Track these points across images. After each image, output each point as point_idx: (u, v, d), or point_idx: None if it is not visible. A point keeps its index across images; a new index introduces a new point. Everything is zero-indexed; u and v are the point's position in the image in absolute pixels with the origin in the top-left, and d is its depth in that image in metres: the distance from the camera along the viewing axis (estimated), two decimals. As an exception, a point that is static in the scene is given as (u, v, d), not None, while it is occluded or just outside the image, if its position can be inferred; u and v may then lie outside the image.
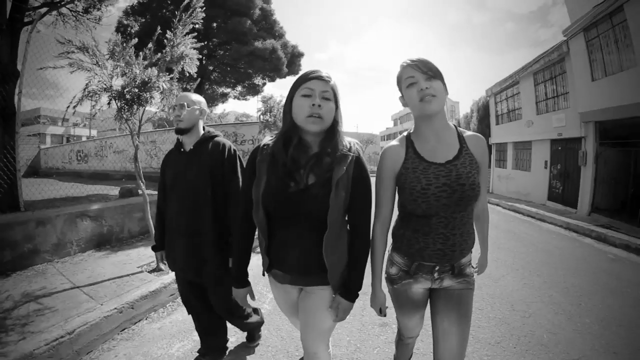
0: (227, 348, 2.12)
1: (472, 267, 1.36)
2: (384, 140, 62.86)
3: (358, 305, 2.68)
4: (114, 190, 9.46)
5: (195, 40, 3.31)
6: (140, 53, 3.21)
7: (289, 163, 1.16)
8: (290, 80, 12.62)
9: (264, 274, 1.37)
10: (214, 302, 1.84)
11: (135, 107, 3.15)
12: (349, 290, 1.24)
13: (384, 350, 2.26)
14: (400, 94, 1.28)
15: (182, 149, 1.81)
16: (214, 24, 9.29)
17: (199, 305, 1.89)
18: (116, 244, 4.35)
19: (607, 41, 7.64)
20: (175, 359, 2.12)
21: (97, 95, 3.01)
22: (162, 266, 3.32)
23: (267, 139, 1.27)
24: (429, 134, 1.25)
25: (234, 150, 1.79)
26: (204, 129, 1.84)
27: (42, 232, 3.63)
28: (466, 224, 1.25)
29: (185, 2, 3.19)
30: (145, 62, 3.14)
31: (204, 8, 3.24)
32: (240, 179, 1.74)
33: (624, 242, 5.36)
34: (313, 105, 1.11)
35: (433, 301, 1.36)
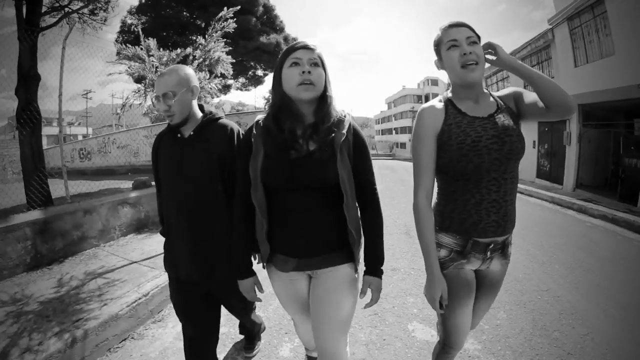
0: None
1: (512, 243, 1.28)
2: (379, 123, 62.82)
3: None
4: (124, 184, 9.86)
5: (225, 45, 3.76)
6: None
7: (285, 134, 1.11)
8: None
9: (264, 266, 1.28)
10: (230, 306, 1.66)
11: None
12: (377, 266, 1.20)
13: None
14: (436, 58, 1.22)
15: (178, 134, 1.43)
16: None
17: (197, 311, 1.55)
18: (153, 227, 4.84)
19: (589, 30, 8.18)
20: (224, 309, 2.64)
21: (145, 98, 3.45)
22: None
23: (260, 115, 1.23)
24: (467, 97, 1.20)
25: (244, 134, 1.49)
26: (202, 109, 1.50)
27: (88, 220, 4.11)
28: (514, 190, 1.18)
29: (220, 14, 3.62)
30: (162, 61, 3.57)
31: (233, 18, 3.68)
32: None
33: (602, 213, 6.02)
34: (303, 72, 1.08)
35: (476, 284, 1.28)
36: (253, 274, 1.26)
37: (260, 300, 1.31)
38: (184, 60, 3.61)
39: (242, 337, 2.14)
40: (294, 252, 1.16)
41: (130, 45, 3.75)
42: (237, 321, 2.11)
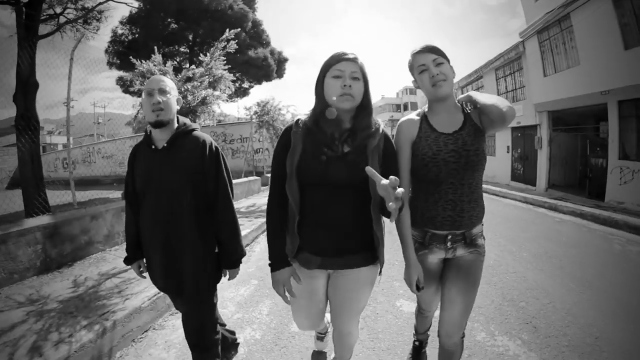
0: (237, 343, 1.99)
1: (484, 238, 1.41)
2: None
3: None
4: (112, 194, 9.87)
5: (225, 62, 4.07)
6: (178, 74, 3.94)
7: (321, 135, 1.19)
8: (276, 83, 13.66)
9: (291, 260, 1.29)
10: (186, 319, 1.55)
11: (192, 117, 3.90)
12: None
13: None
14: (412, 79, 1.40)
15: (152, 146, 1.45)
16: (210, 39, 10.01)
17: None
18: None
19: (556, 43, 8.93)
20: (241, 297, 2.91)
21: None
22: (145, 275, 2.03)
23: (302, 115, 1.30)
24: (440, 111, 1.36)
25: (216, 147, 1.51)
26: (177, 120, 1.51)
27: (95, 225, 4.27)
28: (474, 192, 1.32)
29: (224, 35, 3.93)
30: (177, 78, 3.87)
31: (234, 39, 4.01)
32: (227, 179, 1.50)
33: (571, 209, 6.59)
34: (344, 85, 1.14)
35: (444, 271, 1.43)
36: (289, 264, 1.26)
37: (294, 295, 1.26)
38: (190, 78, 3.90)
39: None
40: (319, 251, 1.22)
41: (134, 59, 4.01)
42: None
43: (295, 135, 1.23)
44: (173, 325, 2.55)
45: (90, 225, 4.20)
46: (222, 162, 1.50)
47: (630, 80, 6.79)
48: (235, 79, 4.26)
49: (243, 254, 1.56)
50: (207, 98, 3.78)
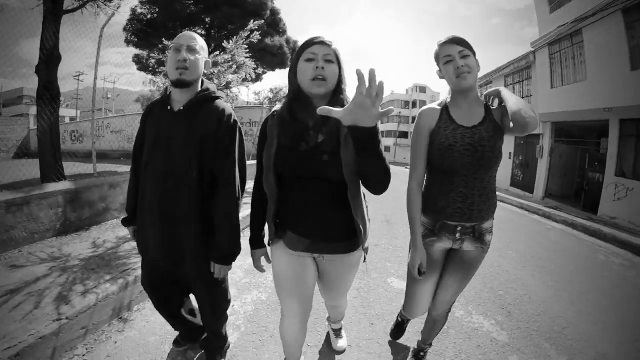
0: (202, 329, 1.78)
1: (492, 234, 1.45)
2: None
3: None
4: (120, 168, 10.11)
5: (248, 50, 4.29)
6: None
7: (297, 125, 1.15)
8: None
9: (269, 244, 1.34)
10: (197, 296, 1.54)
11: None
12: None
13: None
14: (437, 69, 1.40)
15: (169, 107, 1.35)
16: (230, 25, 10.15)
17: (167, 292, 1.57)
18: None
19: (566, 56, 9.07)
20: (248, 265, 3.11)
21: None
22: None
23: (277, 106, 1.28)
24: (462, 103, 1.37)
25: (235, 120, 1.38)
26: (201, 84, 1.40)
27: (112, 194, 4.51)
28: (486, 187, 1.34)
29: (249, 26, 4.14)
30: (216, 68, 4.11)
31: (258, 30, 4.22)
32: (237, 158, 1.38)
33: (563, 219, 6.83)
34: (317, 68, 1.11)
35: (448, 261, 1.46)
36: (263, 246, 1.39)
37: (264, 270, 1.41)
38: (216, 63, 4.11)
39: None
40: (307, 234, 1.21)
41: (155, 37, 4.20)
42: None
43: (271, 129, 1.22)
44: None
45: (108, 193, 4.45)
46: (238, 138, 1.38)
47: (634, 100, 6.95)
48: (255, 66, 4.48)
49: (235, 250, 1.38)
50: (232, 83, 4.02)
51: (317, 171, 1.13)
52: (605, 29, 7.66)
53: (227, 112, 1.35)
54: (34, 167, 5.85)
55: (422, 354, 1.80)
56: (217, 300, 1.53)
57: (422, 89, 49.47)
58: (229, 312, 1.70)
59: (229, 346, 1.81)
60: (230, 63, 4.12)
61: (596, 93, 7.92)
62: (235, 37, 4.12)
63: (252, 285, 2.80)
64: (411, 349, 1.90)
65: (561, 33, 8.98)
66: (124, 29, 10.15)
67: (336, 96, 1.18)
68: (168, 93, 1.40)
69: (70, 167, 7.75)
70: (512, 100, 1.26)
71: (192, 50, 1.31)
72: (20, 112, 30.20)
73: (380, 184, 1.06)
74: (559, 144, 9.98)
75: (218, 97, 1.39)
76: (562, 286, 3.20)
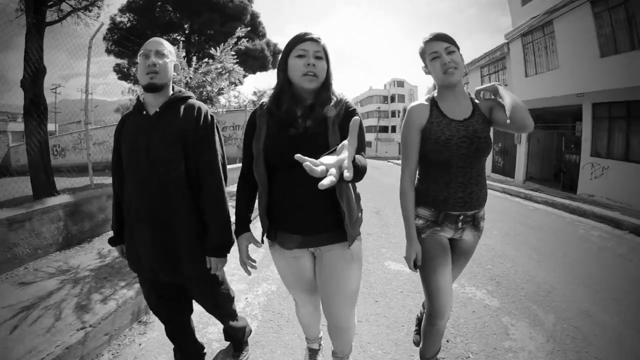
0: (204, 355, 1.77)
1: (484, 220, 1.49)
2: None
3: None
4: (107, 180, 9.95)
5: (235, 56, 4.42)
6: (193, 64, 4.27)
7: (284, 114, 1.19)
8: (271, 73, 14.14)
9: (262, 241, 1.32)
10: (199, 301, 1.55)
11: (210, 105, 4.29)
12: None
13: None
14: (423, 65, 1.42)
15: (144, 112, 1.33)
16: (209, 30, 10.21)
17: (172, 312, 1.54)
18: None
19: (538, 46, 9.54)
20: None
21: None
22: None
23: (265, 99, 1.31)
24: (450, 98, 1.40)
25: (212, 116, 1.39)
26: (173, 88, 1.41)
27: (110, 204, 4.56)
28: (480, 175, 1.39)
29: (236, 34, 4.27)
30: (199, 71, 4.22)
31: (246, 38, 4.37)
32: (219, 151, 1.38)
33: (544, 199, 7.23)
34: (308, 64, 1.15)
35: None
36: (248, 229, 1.32)
37: (255, 267, 1.32)
38: (208, 72, 4.24)
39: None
40: (297, 229, 1.20)
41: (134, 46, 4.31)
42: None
43: (260, 118, 1.25)
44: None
45: (106, 203, 4.46)
46: (217, 133, 1.39)
47: (604, 85, 7.42)
48: (244, 72, 4.62)
49: (229, 241, 1.37)
50: (224, 89, 4.15)
51: (305, 152, 1.12)
52: (575, 19, 8.11)
53: (203, 109, 1.37)
54: (20, 184, 5.56)
55: None
56: (219, 300, 1.53)
57: (400, 83, 50.17)
58: (243, 304, 1.80)
59: (250, 332, 1.88)
60: (220, 70, 4.24)
61: (568, 80, 8.38)
62: (222, 44, 4.24)
63: (260, 279, 2.96)
64: (416, 316, 1.96)
65: (533, 24, 9.43)
66: (104, 38, 10.06)
67: (323, 91, 1.21)
68: (142, 100, 1.39)
69: (58, 182, 7.35)
70: (510, 97, 1.30)
71: (160, 54, 1.31)
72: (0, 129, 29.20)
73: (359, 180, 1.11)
74: (536, 129, 10.42)
75: (190, 97, 1.41)
76: (545, 257, 3.49)
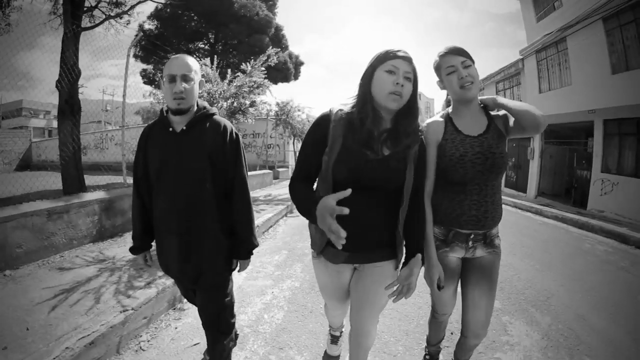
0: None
1: (499, 238, 1.43)
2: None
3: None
4: (128, 180, 10.42)
5: (265, 71, 4.76)
6: (227, 77, 4.64)
7: (364, 134, 1.14)
8: (292, 85, 14.60)
9: (316, 255, 1.32)
10: (203, 309, 1.52)
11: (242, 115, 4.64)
12: (418, 257, 1.22)
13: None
14: (438, 79, 1.39)
15: (170, 128, 1.37)
16: (235, 41, 10.67)
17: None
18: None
19: (552, 63, 9.70)
20: (276, 261, 3.50)
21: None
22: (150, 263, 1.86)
23: (339, 105, 1.22)
24: (465, 113, 1.37)
25: (237, 134, 1.45)
26: (197, 103, 1.42)
27: (139, 203, 4.90)
28: (496, 194, 1.35)
29: (267, 52, 4.61)
30: (233, 84, 4.58)
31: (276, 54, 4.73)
32: (245, 166, 1.46)
33: (554, 214, 7.30)
34: (397, 83, 1.10)
35: (465, 271, 1.44)
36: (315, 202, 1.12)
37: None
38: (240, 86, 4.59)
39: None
40: (346, 246, 1.09)
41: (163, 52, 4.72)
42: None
43: (335, 129, 1.16)
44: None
45: (132, 215, 4.79)
46: (242, 150, 1.46)
47: (615, 102, 7.51)
48: (271, 85, 4.96)
49: (256, 245, 1.51)
50: (256, 102, 4.50)
51: (380, 182, 1.14)
52: (588, 36, 8.26)
53: (228, 127, 1.42)
54: (47, 178, 5.96)
55: None
56: (221, 312, 1.51)
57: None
58: (269, 297, 1.94)
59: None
60: (251, 84, 4.58)
61: (580, 96, 8.49)
62: (250, 57, 4.60)
63: (284, 276, 3.22)
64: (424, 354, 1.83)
65: (546, 41, 9.60)
66: (132, 45, 10.65)
67: (407, 110, 1.17)
68: (165, 114, 1.41)
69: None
70: (513, 103, 1.30)
71: (186, 79, 1.31)
72: (20, 124, 29.93)
73: None
74: (549, 145, 10.56)
75: (214, 114, 1.44)
76: (547, 268, 3.65)
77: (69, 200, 3.90)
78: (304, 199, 1.15)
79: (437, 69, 1.37)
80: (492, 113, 1.41)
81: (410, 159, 1.18)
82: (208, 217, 1.37)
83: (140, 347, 2.05)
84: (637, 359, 2.03)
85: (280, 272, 3.34)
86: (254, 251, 1.53)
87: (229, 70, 4.99)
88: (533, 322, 2.42)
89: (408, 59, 1.13)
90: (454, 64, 1.30)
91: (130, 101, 4.36)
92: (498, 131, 1.35)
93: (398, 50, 1.13)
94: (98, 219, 4.18)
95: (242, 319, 2.39)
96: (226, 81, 4.53)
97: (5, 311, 2.18)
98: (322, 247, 1.25)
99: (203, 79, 1.51)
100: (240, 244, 1.47)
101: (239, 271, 1.53)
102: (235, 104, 4.43)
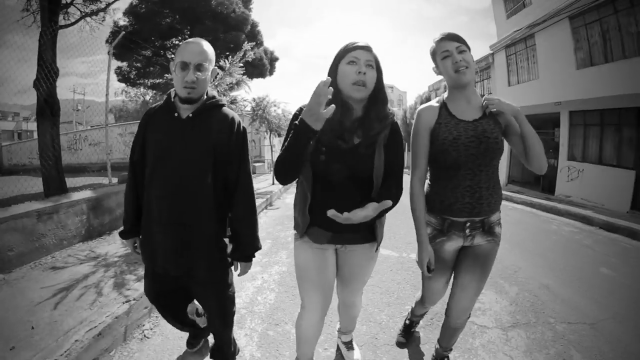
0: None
1: (501, 226, 1.42)
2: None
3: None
4: (103, 180, 10.19)
5: (243, 67, 4.83)
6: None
7: (335, 124, 1.18)
8: (267, 80, 14.58)
9: (302, 236, 1.34)
10: (207, 305, 1.52)
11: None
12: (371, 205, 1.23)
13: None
14: (434, 65, 1.40)
15: (175, 113, 1.30)
16: (211, 37, 10.55)
17: (172, 300, 1.55)
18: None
19: (521, 58, 10.23)
20: (262, 250, 3.69)
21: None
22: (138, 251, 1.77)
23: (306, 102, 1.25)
24: (460, 98, 1.36)
25: (244, 128, 1.40)
26: (207, 92, 1.37)
27: (127, 201, 4.92)
28: (491, 179, 1.33)
29: (243, 49, 4.67)
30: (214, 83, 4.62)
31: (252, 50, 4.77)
32: (250, 163, 1.44)
33: (523, 200, 7.83)
34: (359, 72, 1.14)
35: (461, 257, 1.44)
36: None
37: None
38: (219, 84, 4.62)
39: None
40: (329, 227, 1.24)
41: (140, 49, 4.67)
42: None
43: None
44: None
45: (124, 199, 4.82)
46: (247, 147, 1.41)
47: (580, 94, 8.06)
48: (250, 81, 5.04)
49: (259, 248, 1.44)
50: (237, 99, 4.57)
51: (351, 170, 1.19)
52: (554, 33, 8.78)
53: (236, 120, 1.37)
54: (21, 183, 5.75)
55: None
56: (227, 305, 1.50)
57: (389, 88, 51.23)
58: (259, 282, 2.06)
59: (238, 351, 1.81)
60: (230, 81, 4.66)
61: (547, 89, 9.04)
62: (227, 53, 4.65)
63: (271, 262, 3.40)
64: (431, 356, 1.83)
65: (516, 37, 10.11)
66: (106, 41, 10.34)
67: (374, 98, 1.22)
68: (172, 99, 1.35)
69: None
70: (530, 130, 1.27)
71: (200, 68, 1.25)
72: None
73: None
74: (520, 135, 11.17)
75: (224, 105, 1.39)
76: (515, 246, 4.01)
77: (58, 201, 3.89)
78: (294, 140, 1.11)
79: (433, 54, 1.39)
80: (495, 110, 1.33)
81: (379, 144, 1.22)
82: (204, 209, 1.31)
83: (145, 335, 2.15)
84: (595, 316, 2.33)
85: (267, 259, 3.51)
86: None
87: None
88: (502, 292, 2.72)
89: (367, 48, 1.18)
90: (448, 48, 1.31)
91: (100, 99, 4.22)
92: (494, 119, 1.34)
93: (357, 42, 1.19)
94: (86, 218, 4.18)
95: (237, 302, 2.47)
96: None
97: (6, 314, 2.19)
98: (306, 228, 1.30)
99: (216, 68, 1.39)
100: (242, 247, 1.41)
101: (239, 275, 1.45)
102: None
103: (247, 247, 1.41)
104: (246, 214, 1.39)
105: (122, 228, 1.48)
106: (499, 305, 2.49)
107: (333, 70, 1.22)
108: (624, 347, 1.97)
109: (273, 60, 14.04)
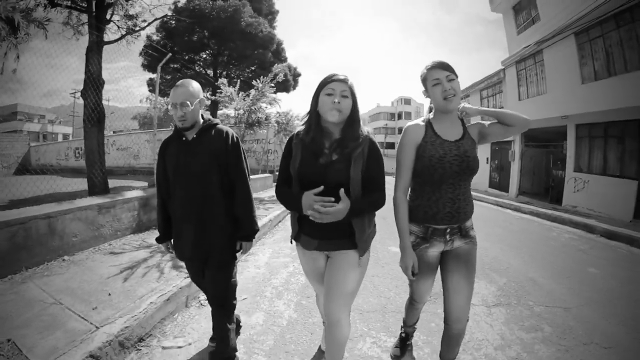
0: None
1: (473, 229, 1.58)
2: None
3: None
4: (135, 183, 10.92)
5: (274, 87, 5.49)
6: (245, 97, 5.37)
7: (311, 143, 1.43)
8: (292, 94, 15.45)
9: (291, 242, 1.60)
10: (211, 287, 1.78)
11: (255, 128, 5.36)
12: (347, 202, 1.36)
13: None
14: (424, 89, 1.54)
15: (183, 138, 1.72)
16: (236, 54, 11.37)
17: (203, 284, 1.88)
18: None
19: (530, 73, 10.64)
20: (273, 240, 4.29)
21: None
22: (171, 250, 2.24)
23: (300, 127, 1.54)
24: (445, 121, 1.53)
25: (237, 138, 1.77)
26: (202, 117, 1.77)
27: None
28: (466, 192, 1.52)
29: (274, 72, 5.35)
30: (250, 100, 5.31)
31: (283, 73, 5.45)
32: (245, 164, 1.76)
33: (531, 210, 8.16)
34: (334, 102, 1.36)
35: (444, 261, 1.58)
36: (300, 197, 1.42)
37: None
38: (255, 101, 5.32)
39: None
40: (315, 235, 1.45)
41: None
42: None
43: (295, 146, 1.49)
44: (254, 259, 3.87)
45: (156, 213, 5.39)
46: (242, 151, 1.76)
47: (585, 108, 8.41)
48: (279, 100, 5.72)
49: (257, 229, 1.80)
50: (269, 116, 5.24)
51: (329, 181, 1.36)
52: (561, 49, 9.19)
53: (230, 133, 1.75)
54: (50, 183, 6.11)
55: None
56: (229, 294, 1.79)
57: (407, 101, 50.97)
58: (292, 268, 2.39)
59: (235, 349, 1.86)
60: (263, 100, 5.32)
61: (555, 103, 9.40)
62: (262, 76, 5.33)
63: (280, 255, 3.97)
64: (399, 335, 2.00)
65: (525, 53, 10.55)
66: (140, 54, 11.27)
67: (350, 121, 1.43)
68: (180, 129, 1.72)
69: (81, 184, 8.14)
70: (495, 109, 1.53)
71: (184, 105, 1.63)
72: (14, 128, 29.62)
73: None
74: (528, 147, 11.55)
75: (218, 123, 1.78)
76: (513, 249, 4.45)
77: (114, 197, 4.50)
78: (289, 199, 1.46)
79: (424, 80, 1.52)
80: (467, 124, 1.59)
81: (355, 158, 1.40)
82: (215, 206, 1.69)
83: (201, 303, 2.67)
84: (571, 302, 2.75)
85: (295, 252, 4.04)
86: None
87: (238, 82, 5.66)
88: (492, 281, 3.21)
89: (343, 81, 1.40)
90: (439, 77, 1.44)
91: (121, 105, 4.65)
92: (471, 139, 1.54)
93: (334, 75, 1.42)
94: (137, 214, 4.77)
95: (275, 282, 3.14)
96: (242, 95, 5.23)
97: (81, 284, 2.59)
98: (296, 234, 1.55)
99: (203, 98, 1.78)
100: (243, 229, 1.76)
101: (242, 253, 1.83)
102: (253, 116, 5.14)
103: (246, 229, 1.77)
104: (243, 200, 1.74)
105: (158, 235, 1.90)
106: (487, 290, 2.99)
107: (315, 99, 1.45)
108: (592, 326, 2.38)
109: (296, 75, 14.94)
